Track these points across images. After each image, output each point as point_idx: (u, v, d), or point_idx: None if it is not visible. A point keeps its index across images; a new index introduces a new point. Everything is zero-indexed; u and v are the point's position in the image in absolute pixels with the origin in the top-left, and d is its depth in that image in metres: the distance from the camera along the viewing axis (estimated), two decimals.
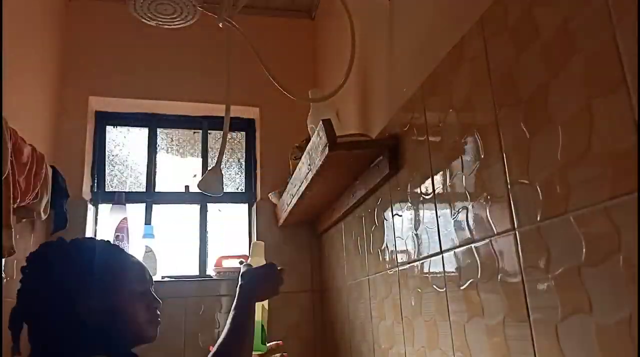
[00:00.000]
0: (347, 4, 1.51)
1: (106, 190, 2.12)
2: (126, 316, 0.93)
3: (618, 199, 0.58)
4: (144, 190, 2.16)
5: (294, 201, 1.68)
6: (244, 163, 2.31)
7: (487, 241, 0.86)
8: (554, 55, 0.70)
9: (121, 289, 0.94)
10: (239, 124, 2.27)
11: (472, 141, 0.91)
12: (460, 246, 0.95)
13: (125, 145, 2.22)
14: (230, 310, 1.01)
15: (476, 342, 0.89)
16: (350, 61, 1.48)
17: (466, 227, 0.92)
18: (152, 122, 2.24)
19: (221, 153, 1.42)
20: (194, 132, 2.30)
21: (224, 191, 1.46)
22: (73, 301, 0.87)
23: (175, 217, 2.19)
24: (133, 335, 0.94)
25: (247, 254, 2.14)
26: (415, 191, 1.15)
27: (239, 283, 1.04)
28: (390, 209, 1.31)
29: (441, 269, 1.02)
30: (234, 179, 2.29)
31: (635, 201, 0.56)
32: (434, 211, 1.06)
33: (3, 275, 1.44)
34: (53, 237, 1.81)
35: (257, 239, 2.10)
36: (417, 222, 1.14)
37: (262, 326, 1.17)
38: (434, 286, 1.05)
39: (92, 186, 2.07)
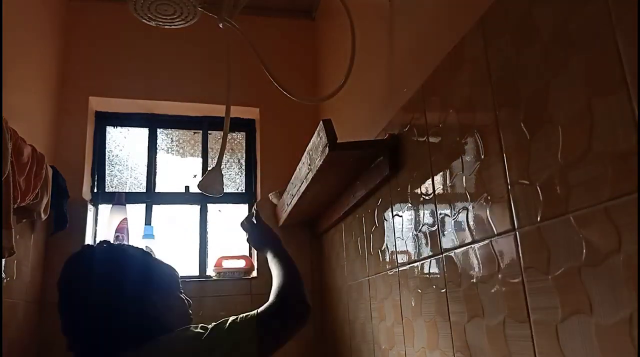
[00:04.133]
0: (347, 4, 1.51)
1: (106, 190, 2.12)
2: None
3: (618, 199, 0.58)
4: (144, 190, 2.16)
5: (294, 201, 1.68)
6: (244, 163, 2.31)
7: (487, 241, 0.86)
8: (554, 55, 0.70)
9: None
10: (239, 124, 2.27)
11: (472, 141, 0.91)
12: (460, 246, 0.95)
13: (125, 146, 2.22)
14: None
15: (476, 343, 0.89)
16: (350, 61, 1.48)
17: (466, 228, 0.92)
18: (152, 122, 2.24)
19: (221, 153, 1.42)
20: (194, 133, 2.30)
21: (224, 191, 1.46)
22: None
23: (175, 217, 2.19)
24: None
25: (247, 254, 2.15)
26: (416, 191, 1.15)
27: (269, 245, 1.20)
28: (390, 209, 1.31)
29: (441, 270, 1.02)
30: (234, 180, 2.29)
31: (635, 201, 0.56)
32: (434, 212, 1.05)
33: (3, 275, 1.44)
34: (53, 238, 1.82)
35: None
36: (417, 223, 1.14)
37: None
38: (434, 287, 1.05)
39: (92, 186, 2.07)
